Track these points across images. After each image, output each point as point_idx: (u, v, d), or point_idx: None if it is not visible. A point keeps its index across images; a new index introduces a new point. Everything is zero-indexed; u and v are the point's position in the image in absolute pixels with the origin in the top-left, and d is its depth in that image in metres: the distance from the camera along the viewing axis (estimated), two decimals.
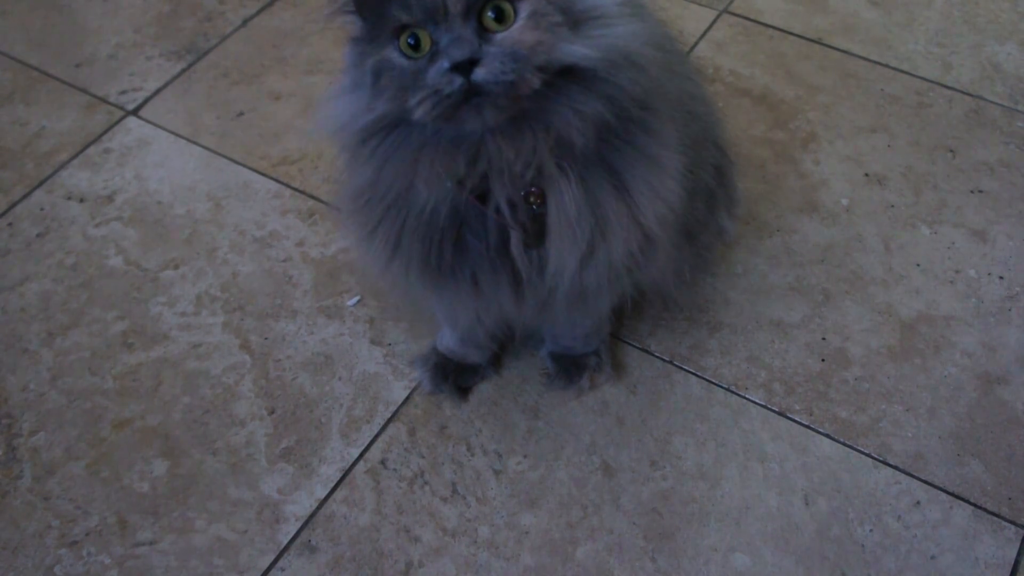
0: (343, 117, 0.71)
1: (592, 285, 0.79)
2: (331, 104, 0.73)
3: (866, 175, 1.19)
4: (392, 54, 0.66)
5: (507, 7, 0.65)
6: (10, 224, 1.17)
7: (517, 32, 0.65)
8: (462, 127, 0.67)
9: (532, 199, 0.73)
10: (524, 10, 0.65)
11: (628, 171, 0.74)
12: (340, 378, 1.02)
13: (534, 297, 0.80)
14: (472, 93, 0.64)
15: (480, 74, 0.63)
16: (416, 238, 0.76)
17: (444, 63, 0.64)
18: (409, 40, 0.65)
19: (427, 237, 0.76)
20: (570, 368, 0.99)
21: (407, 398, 1.00)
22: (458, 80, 0.63)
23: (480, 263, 0.77)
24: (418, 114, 0.66)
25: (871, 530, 0.89)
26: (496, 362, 1.01)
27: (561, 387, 0.99)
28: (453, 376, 0.99)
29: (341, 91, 0.72)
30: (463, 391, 1.00)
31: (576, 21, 0.68)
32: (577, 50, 0.66)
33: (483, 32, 0.65)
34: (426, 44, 0.65)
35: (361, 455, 0.96)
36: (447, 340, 1.00)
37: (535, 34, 0.65)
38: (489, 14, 0.64)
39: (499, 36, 0.65)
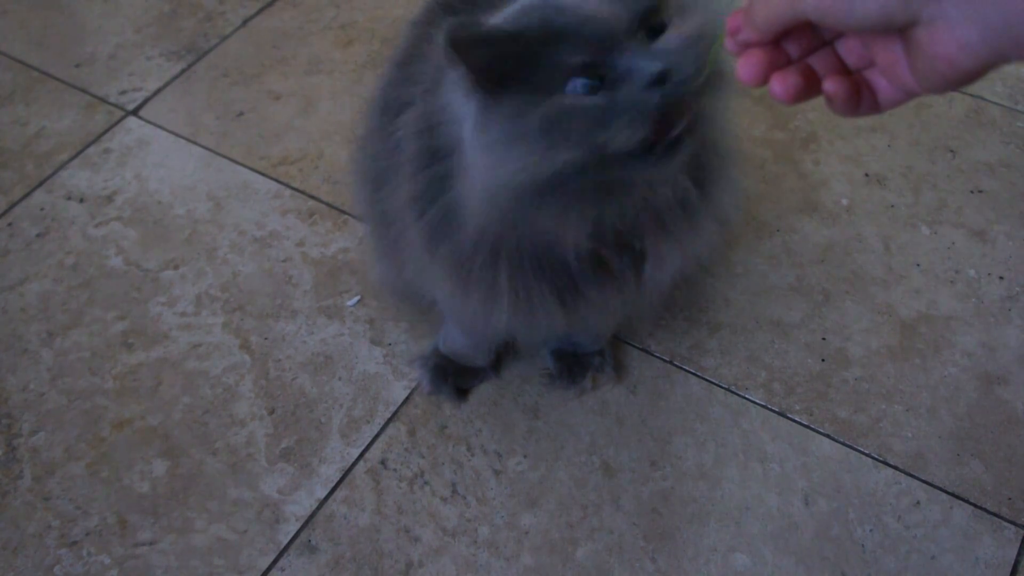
0: (506, 176, 0.64)
1: (674, 281, 0.78)
2: (486, 165, 0.65)
3: (866, 175, 1.19)
4: (565, 99, 0.61)
5: (660, 16, 0.61)
6: (10, 224, 1.17)
7: (677, 25, 0.61)
8: (662, 156, 0.62)
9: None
10: (669, 8, 0.62)
11: (706, 164, 0.72)
12: (340, 378, 1.02)
13: (626, 307, 0.79)
14: (670, 106, 0.60)
15: (677, 76, 0.59)
16: (546, 286, 0.73)
17: (636, 85, 0.59)
18: (586, 80, 0.60)
19: (555, 283, 0.74)
20: (573, 367, 0.99)
21: (407, 398, 1.00)
22: (656, 93, 0.59)
23: (587, 289, 0.75)
24: (619, 143, 0.60)
25: (871, 530, 0.89)
26: (496, 363, 1.01)
27: (564, 387, 0.99)
28: (453, 377, 0.99)
29: (495, 155, 0.64)
30: (462, 392, 1.00)
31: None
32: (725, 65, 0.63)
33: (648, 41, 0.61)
34: (604, 74, 0.60)
35: (361, 455, 0.96)
36: (453, 343, 0.99)
37: (691, 22, 0.61)
38: (639, 11, 0.61)
39: (665, 36, 0.61)
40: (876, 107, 0.49)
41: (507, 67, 0.61)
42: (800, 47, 0.49)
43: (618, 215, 0.69)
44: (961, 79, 0.42)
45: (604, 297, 0.76)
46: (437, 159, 0.70)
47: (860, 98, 0.48)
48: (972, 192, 1.17)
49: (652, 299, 0.79)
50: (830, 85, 0.48)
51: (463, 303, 0.77)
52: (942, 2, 0.40)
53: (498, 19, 0.64)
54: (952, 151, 1.22)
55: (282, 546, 0.90)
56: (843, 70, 0.49)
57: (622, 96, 0.60)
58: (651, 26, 0.61)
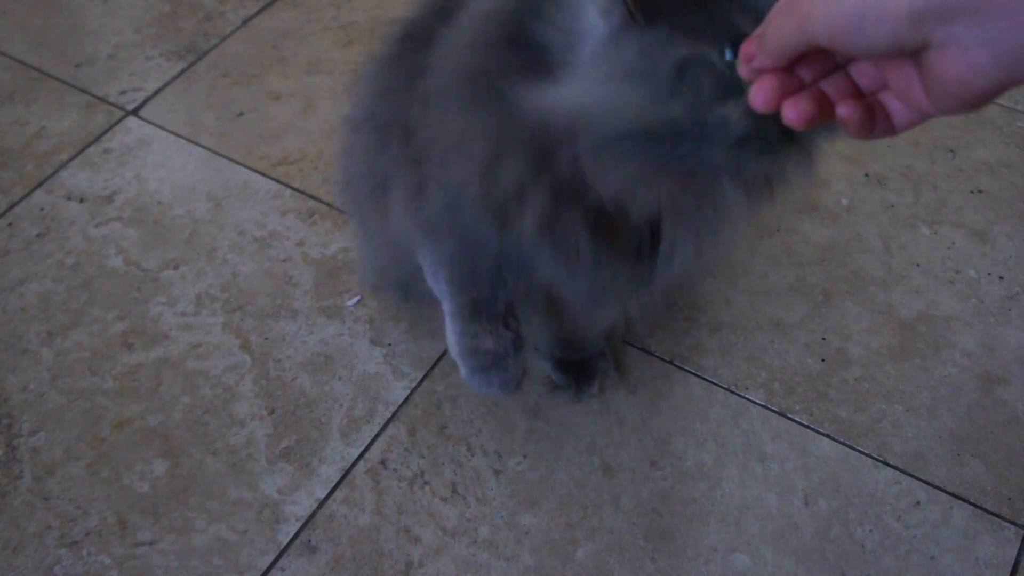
0: (611, 113, 0.59)
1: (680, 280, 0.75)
2: (594, 96, 0.59)
3: (866, 175, 1.19)
4: (713, 56, 0.56)
5: None
6: (10, 224, 1.17)
7: None
8: (759, 151, 0.59)
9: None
10: None
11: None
12: (340, 378, 1.02)
13: (628, 294, 0.76)
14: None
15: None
16: (589, 242, 0.69)
17: None
18: (734, 49, 0.54)
19: (571, 237, 0.69)
20: (579, 375, 0.97)
21: (407, 398, 1.00)
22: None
23: (599, 254, 0.70)
24: (735, 129, 0.57)
25: (871, 530, 0.89)
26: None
27: (569, 397, 0.97)
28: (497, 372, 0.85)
29: (606, 79, 0.58)
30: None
31: None
32: None
33: None
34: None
35: (361, 455, 0.96)
36: (457, 329, 0.84)
37: None
38: None
39: None
40: (891, 129, 0.48)
41: (677, 7, 0.56)
42: (813, 72, 0.49)
43: (673, 194, 0.64)
44: (976, 101, 0.42)
45: (612, 268, 0.72)
46: (524, 49, 0.62)
47: (875, 121, 0.48)
48: (972, 192, 1.17)
49: (655, 292, 0.76)
50: (844, 110, 0.48)
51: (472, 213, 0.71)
52: (953, 26, 0.40)
53: None
54: (952, 151, 1.22)
55: (282, 546, 0.90)
56: (856, 93, 0.49)
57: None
58: None
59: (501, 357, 0.83)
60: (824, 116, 0.48)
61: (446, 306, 0.83)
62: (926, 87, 0.44)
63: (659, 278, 0.74)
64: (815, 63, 0.49)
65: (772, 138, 0.58)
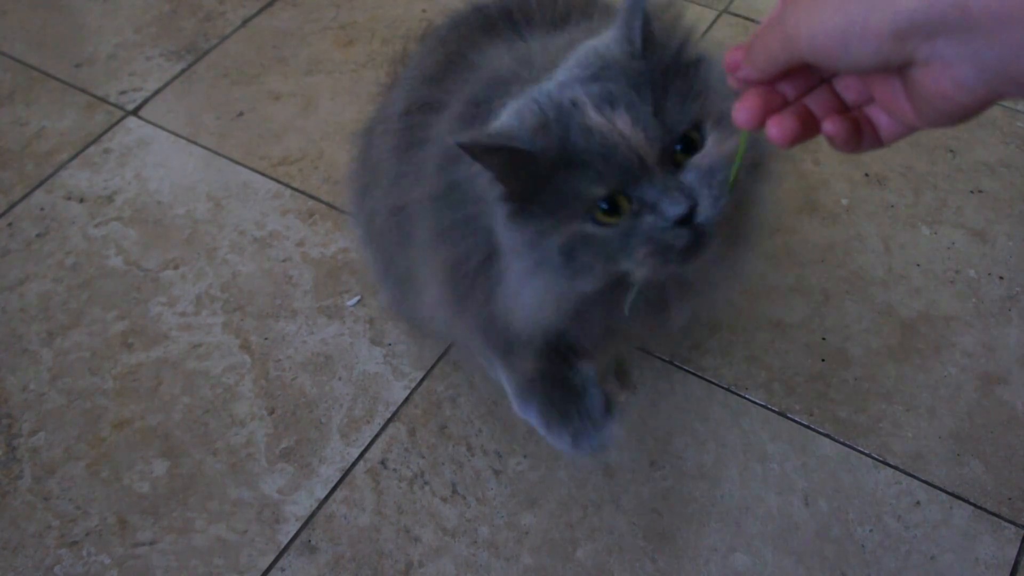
0: (538, 309, 0.65)
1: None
2: (521, 297, 0.65)
3: (866, 175, 1.19)
4: (586, 227, 0.60)
5: (696, 135, 0.60)
6: (10, 224, 1.17)
7: (712, 149, 0.60)
8: (684, 261, 0.61)
9: None
10: (708, 122, 0.61)
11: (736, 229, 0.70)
12: (340, 378, 1.02)
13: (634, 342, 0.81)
14: (698, 236, 0.59)
15: (701, 215, 0.59)
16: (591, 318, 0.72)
17: (662, 221, 0.59)
18: (604, 206, 0.59)
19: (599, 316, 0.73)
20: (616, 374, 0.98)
21: (407, 398, 1.00)
22: (685, 233, 0.59)
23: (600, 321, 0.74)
24: (642, 274, 0.61)
25: (871, 530, 0.89)
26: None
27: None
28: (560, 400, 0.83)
29: (523, 277, 0.64)
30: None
31: None
32: (765, 146, 0.64)
33: (676, 167, 0.60)
34: (624, 205, 0.60)
35: (361, 455, 0.96)
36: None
37: (728, 143, 0.60)
38: (677, 147, 0.60)
39: (693, 160, 0.60)
40: (878, 142, 0.49)
41: (526, 184, 0.60)
42: (797, 87, 0.49)
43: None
44: (960, 115, 0.43)
45: (616, 333, 0.76)
46: (465, 206, 0.67)
47: (861, 135, 0.48)
48: (972, 192, 1.17)
49: (660, 337, 0.80)
50: (830, 126, 0.48)
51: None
52: (936, 42, 0.40)
53: (516, 123, 0.60)
54: (952, 151, 1.22)
55: (282, 546, 0.90)
56: (842, 108, 0.49)
57: (646, 226, 0.59)
58: (687, 148, 0.60)
59: (581, 411, 0.80)
60: (808, 133, 0.49)
61: (506, 385, 0.85)
62: (912, 101, 0.44)
63: (660, 329, 0.77)
64: (799, 78, 0.49)
65: (677, 257, 0.61)
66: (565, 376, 0.79)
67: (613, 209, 0.59)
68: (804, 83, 0.49)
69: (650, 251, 0.60)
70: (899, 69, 0.43)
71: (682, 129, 0.60)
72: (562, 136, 0.59)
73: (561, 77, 0.62)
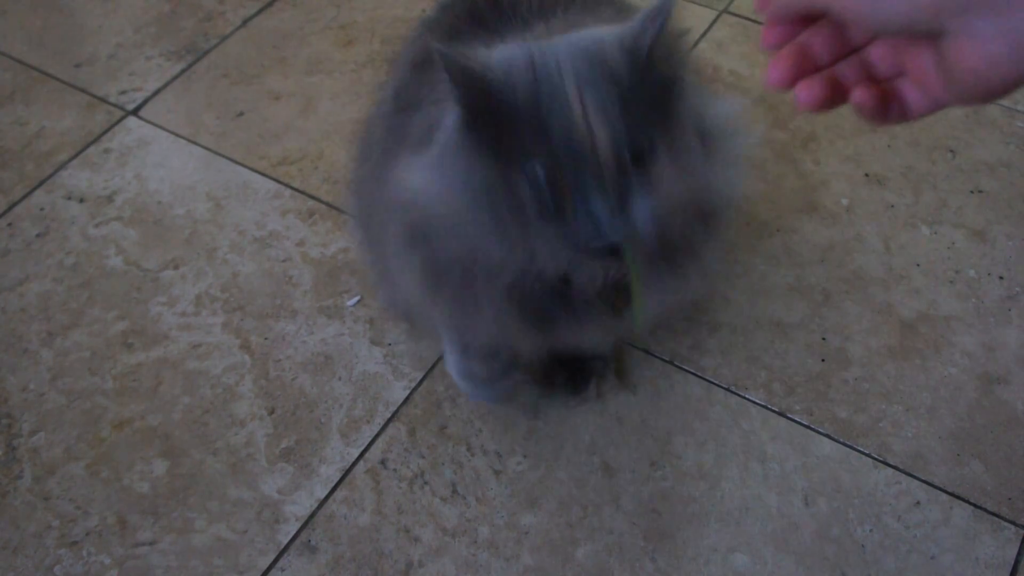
0: (441, 195, 0.65)
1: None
2: (430, 168, 0.66)
3: (866, 175, 1.19)
4: (522, 186, 0.61)
5: (644, 144, 0.61)
6: (10, 224, 1.17)
7: (663, 175, 0.61)
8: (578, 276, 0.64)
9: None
10: (662, 144, 0.62)
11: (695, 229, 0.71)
12: (340, 378, 1.02)
13: (608, 334, 0.81)
14: (614, 263, 0.62)
15: (626, 255, 0.61)
16: (518, 309, 0.72)
17: (596, 239, 0.60)
18: (543, 178, 0.60)
19: (527, 307, 0.72)
20: (576, 375, 0.98)
21: (407, 398, 1.00)
22: (615, 262, 0.61)
23: (560, 316, 0.74)
24: (549, 268, 0.63)
25: (871, 530, 0.89)
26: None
27: (566, 396, 0.98)
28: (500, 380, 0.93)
29: (443, 168, 0.65)
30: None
31: (706, 138, 0.65)
32: (721, 188, 0.65)
33: (625, 179, 0.60)
34: (567, 196, 0.60)
35: (361, 455, 0.96)
36: (457, 366, 0.93)
37: (679, 177, 0.62)
38: (625, 153, 0.60)
39: (643, 181, 0.61)
40: (905, 116, 0.48)
41: (483, 116, 0.61)
42: (827, 50, 0.49)
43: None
44: (989, 93, 0.42)
45: (579, 325, 0.75)
46: None
47: (889, 108, 0.48)
48: (972, 192, 1.17)
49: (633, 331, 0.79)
50: (859, 94, 0.48)
51: (444, 315, 0.78)
52: (969, 15, 0.40)
53: (503, 63, 0.61)
54: (952, 151, 1.22)
55: (282, 546, 0.90)
56: (872, 78, 0.49)
57: (579, 228, 0.60)
58: (637, 158, 0.61)
59: (491, 379, 0.92)
60: (837, 100, 0.48)
61: (445, 343, 0.92)
62: (943, 75, 0.43)
63: (626, 324, 0.76)
64: (829, 38, 0.48)
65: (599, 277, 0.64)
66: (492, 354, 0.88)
67: (554, 191, 0.60)
68: (834, 46, 0.49)
69: (566, 246, 0.61)
70: (930, 40, 0.43)
71: (642, 144, 0.61)
72: (537, 101, 0.60)
73: (561, 50, 0.61)
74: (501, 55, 0.62)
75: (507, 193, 0.61)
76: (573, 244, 0.61)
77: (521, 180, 0.61)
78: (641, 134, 0.60)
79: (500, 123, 0.61)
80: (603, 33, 0.63)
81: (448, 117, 0.64)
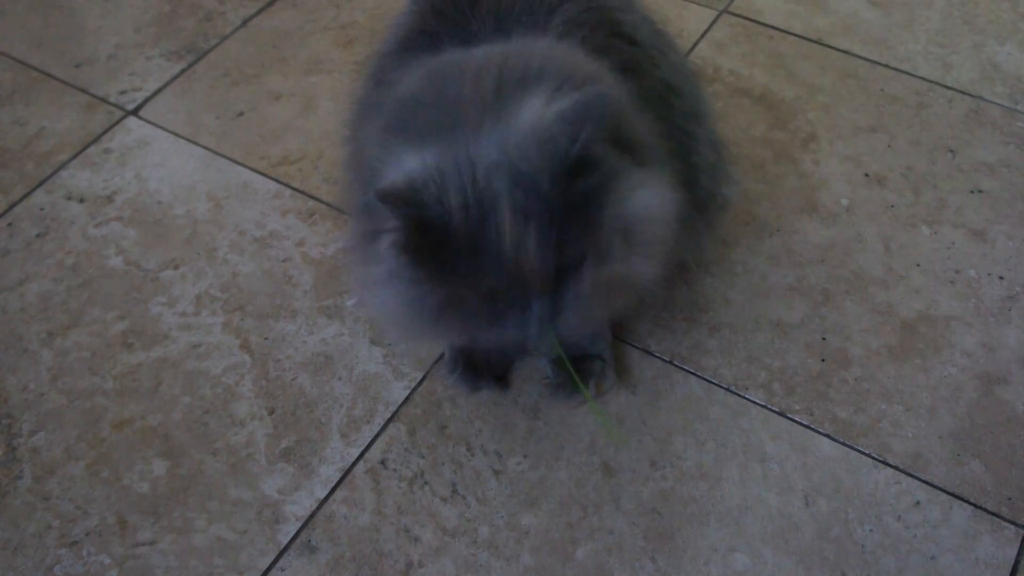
0: (394, 313, 0.73)
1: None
2: (377, 294, 0.73)
3: (866, 175, 1.19)
4: (463, 302, 0.68)
5: (571, 259, 0.67)
6: (10, 224, 1.17)
7: (588, 279, 0.68)
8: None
9: None
10: (588, 252, 0.67)
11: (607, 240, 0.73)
12: (340, 378, 1.02)
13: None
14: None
15: (529, 350, 0.72)
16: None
17: (528, 342, 0.69)
18: (480, 297, 0.68)
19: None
20: (573, 377, 0.98)
21: (407, 398, 1.00)
22: (541, 360, 0.70)
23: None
24: (484, 348, 0.73)
25: (871, 530, 0.89)
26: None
27: (565, 396, 0.98)
28: (486, 368, 0.99)
29: (383, 281, 0.71)
30: (502, 380, 1.00)
31: (627, 233, 0.69)
32: (644, 273, 0.71)
33: (552, 294, 0.68)
34: (500, 306, 0.68)
35: (361, 455, 0.96)
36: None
37: (602, 277, 0.68)
38: (551, 270, 0.67)
39: (570, 291, 0.68)
40: None
41: (424, 239, 0.66)
42: None
43: None
44: None
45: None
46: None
47: None
48: (972, 192, 1.17)
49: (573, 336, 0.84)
50: None
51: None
52: None
53: (434, 182, 0.66)
54: (952, 151, 1.22)
55: (282, 546, 0.90)
56: None
57: (506, 337, 0.69)
58: (562, 276, 0.68)
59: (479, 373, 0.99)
60: None
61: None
62: None
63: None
64: None
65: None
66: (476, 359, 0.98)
67: (491, 307, 0.68)
68: None
69: (501, 344, 0.70)
70: None
71: (569, 259, 0.67)
72: (471, 229, 0.65)
73: (493, 156, 0.65)
74: (433, 175, 0.66)
75: (450, 309, 0.68)
76: (508, 343, 0.70)
77: (462, 297, 0.68)
78: (569, 249, 0.66)
79: (438, 248, 0.65)
80: (533, 141, 0.65)
81: (389, 237, 0.68)
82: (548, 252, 0.65)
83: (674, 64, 0.91)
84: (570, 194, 0.65)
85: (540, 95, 0.67)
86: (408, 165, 0.67)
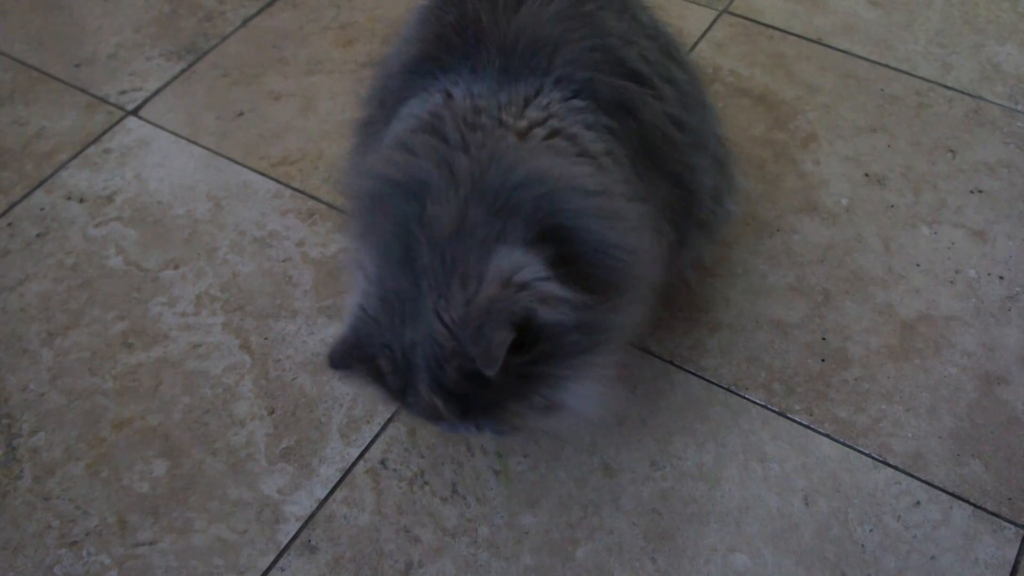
0: None
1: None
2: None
3: (866, 175, 1.19)
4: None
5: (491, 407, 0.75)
6: (10, 224, 1.17)
7: (503, 421, 0.77)
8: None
9: None
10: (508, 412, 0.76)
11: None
12: (340, 378, 1.02)
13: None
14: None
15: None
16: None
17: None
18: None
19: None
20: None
21: None
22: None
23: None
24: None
25: (871, 530, 0.89)
26: None
27: None
28: None
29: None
30: None
31: (553, 408, 0.77)
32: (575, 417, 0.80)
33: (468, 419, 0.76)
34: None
35: (361, 455, 0.96)
36: None
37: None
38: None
39: (487, 420, 0.76)
40: None
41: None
42: None
43: None
44: None
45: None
46: None
47: None
48: (972, 192, 1.17)
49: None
50: None
51: None
52: None
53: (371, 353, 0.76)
54: (952, 151, 1.22)
55: (282, 546, 0.90)
56: None
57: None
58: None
59: None
60: None
61: None
62: None
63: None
64: None
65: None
66: None
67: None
68: None
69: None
70: None
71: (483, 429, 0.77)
72: (399, 383, 0.75)
73: (424, 332, 0.72)
74: (373, 336, 0.74)
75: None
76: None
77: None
78: (483, 410, 0.74)
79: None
80: (460, 328, 0.70)
81: None
82: (458, 414, 0.74)
83: (681, 90, 0.89)
84: (481, 381, 0.70)
85: (494, 261, 0.71)
86: (354, 324, 0.76)
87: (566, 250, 0.72)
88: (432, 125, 0.77)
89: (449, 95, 0.80)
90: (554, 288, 0.70)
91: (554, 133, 0.77)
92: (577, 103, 0.79)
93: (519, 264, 0.70)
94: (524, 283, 0.69)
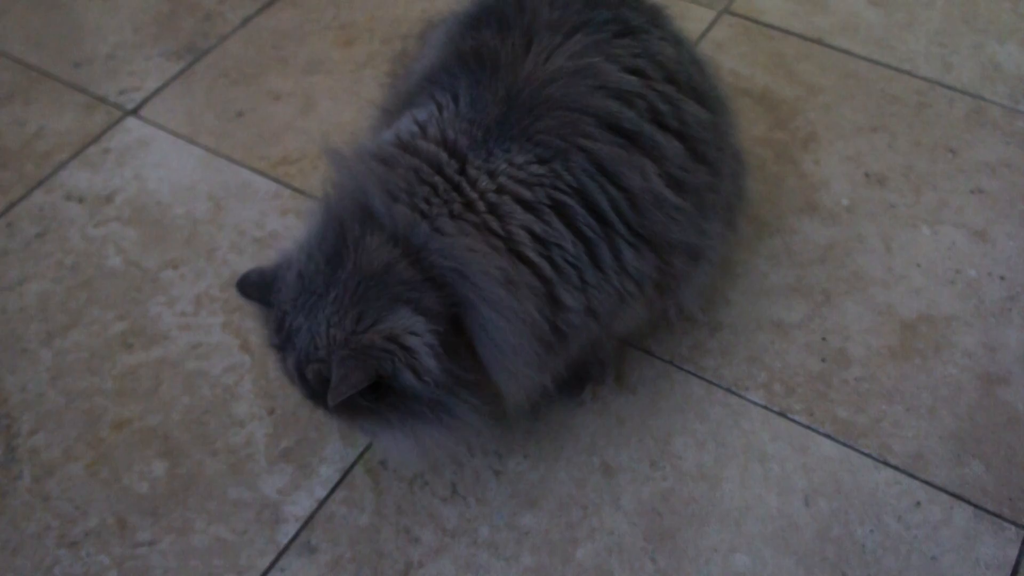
0: None
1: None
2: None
3: (866, 175, 1.19)
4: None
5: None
6: (10, 224, 1.17)
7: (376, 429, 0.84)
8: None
9: None
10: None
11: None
12: None
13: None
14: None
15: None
16: None
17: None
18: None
19: None
20: (571, 379, 0.97)
21: None
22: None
23: None
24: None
25: (871, 531, 0.89)
26: None
27: (563, 398, 0.97)
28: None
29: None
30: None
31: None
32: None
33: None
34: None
35: (361, 455, 0.96)
36: None
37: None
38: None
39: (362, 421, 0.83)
40: None
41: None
42: None
43: None
44: None
45: None
46: None
47: None
48: (972, 192, 1.17)
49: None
50: None
51: None
52: None
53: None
54: (952, 151, 1.22)
55: (282, 546, 0.90)
56: None
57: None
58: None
59: None
60: None
61: None
62: None
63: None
64: None
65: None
66: None
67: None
68: None
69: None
70: None
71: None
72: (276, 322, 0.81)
73: (312, 337, 0.78)
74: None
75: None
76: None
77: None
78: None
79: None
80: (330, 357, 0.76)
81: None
82: (310, 397, 0.82)
83: (696, 138, 0.86)
84: (327, 389, 0.76)
85: (393, 317, 0.75)
86: (274, 268, 0.82)
87: (467, 327, 0.77)
88: (410, 147, 0.80)
89: (440, 108, 0.82)
90: (429, 362, 0.75)
91: (493, 210, 0.77)
92: (537, 169, 0.78)
93: (410, 327, 0.75)
94: (406, 346, 0.75)
